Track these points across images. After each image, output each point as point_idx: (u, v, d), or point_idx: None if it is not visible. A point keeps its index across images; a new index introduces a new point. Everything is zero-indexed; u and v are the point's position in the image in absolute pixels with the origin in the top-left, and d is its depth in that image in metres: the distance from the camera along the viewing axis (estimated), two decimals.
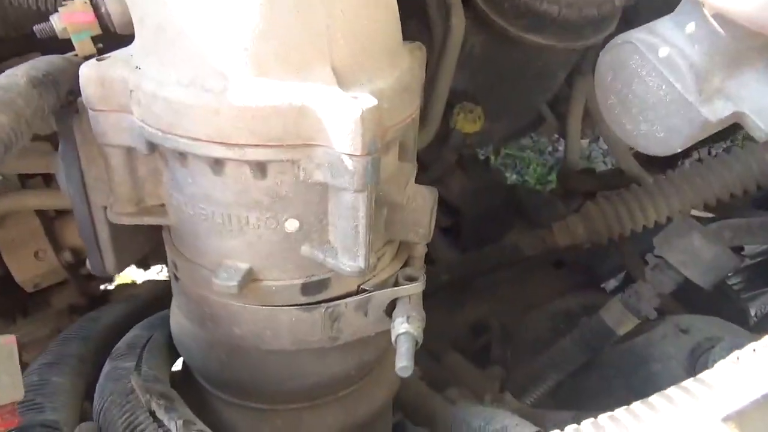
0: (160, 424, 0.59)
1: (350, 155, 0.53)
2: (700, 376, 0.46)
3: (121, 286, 1.58)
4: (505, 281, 1.66)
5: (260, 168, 0.57)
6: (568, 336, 1.25)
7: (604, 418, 0.49)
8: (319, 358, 0.69)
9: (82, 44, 0.73)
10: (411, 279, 0.69)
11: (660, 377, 1.07)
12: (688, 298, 1.40)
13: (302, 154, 0.55)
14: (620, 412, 0.48)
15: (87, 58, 0.74)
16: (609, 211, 1.44)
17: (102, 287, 1.55)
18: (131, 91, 0.58)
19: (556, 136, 3.74)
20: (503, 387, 1.26)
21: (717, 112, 0.60)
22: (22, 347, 1.42)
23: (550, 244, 1.53)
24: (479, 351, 1.48)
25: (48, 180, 1.13)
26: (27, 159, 1.02)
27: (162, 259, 0.77)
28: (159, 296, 1.01)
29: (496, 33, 1.25)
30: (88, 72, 0.59)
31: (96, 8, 0.73)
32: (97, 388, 0.69)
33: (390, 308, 0.68)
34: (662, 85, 0.63)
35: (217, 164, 0.57)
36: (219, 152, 0.55)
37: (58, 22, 0.73)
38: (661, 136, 0.67)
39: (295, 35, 0.54)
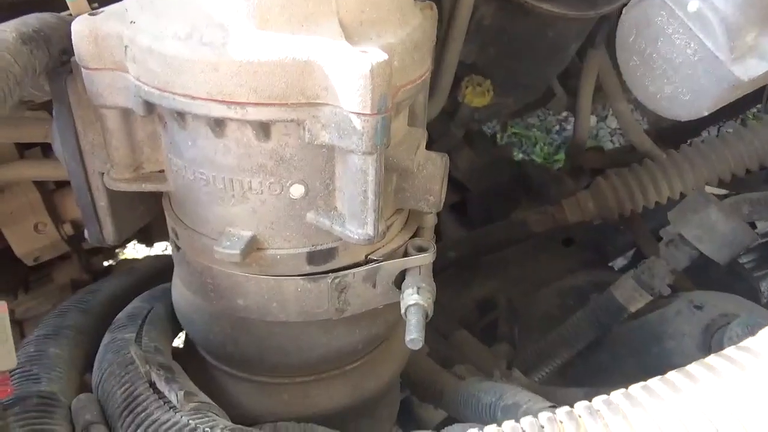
0: (160, 395, 0.57)
1: (359, 114, 0.50)
2: (743, 344, 0.42)
3: (125, 262, 1.56)
4: (512, 259, 1.63)
5: (263, 129, 0.54)
6: (578, 313, 1.23)
7: (656, 381, 0.45)
8: (325, 331, 0.67)
9: (76, 3, 0.70)
10: (421, 249, 0.67)
11: (673, 354, 1.04)
12: (699, 275, 1.37)
13: (307, 113, 0.52)
14: (655, 382, 0.45)
15: None
16: (620, 186, 1.40)
17: (105, 263, 1.53)
18: (126, 47, 0.55)
19: (565, 114, 3.69)
20: (510, 364, 1.24)
21: (749, 70, 0.56)
22: (23, 322, 1.40)
23: (559, 221, 1.50)
24: (486, 328, 1.46)
25: (47, 151, 1.10)
26: (24, 128, 0.99)
27: (167, 237, 0.74)
28: (161, 269, 0.98)
29: (507, 2, 1.20)
30: (80, 28, 0.56)
31: None
32: (96, 359, 0.67)
33: (399, 279, 0.65)
34: (690, 42, 0.60)
35: (218, 125, 0.54)
36: (219, 111, 0.52)
37: None
38: (687, 98, 0.63)
39: None
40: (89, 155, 0.66)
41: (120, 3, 0.59)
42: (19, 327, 1.35)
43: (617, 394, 0.46)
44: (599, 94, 1.72)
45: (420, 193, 0.64)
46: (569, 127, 3.65)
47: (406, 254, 0.67)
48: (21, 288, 1.36)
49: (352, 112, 0.50)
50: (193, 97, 0.52)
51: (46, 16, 0.66)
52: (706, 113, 0.63)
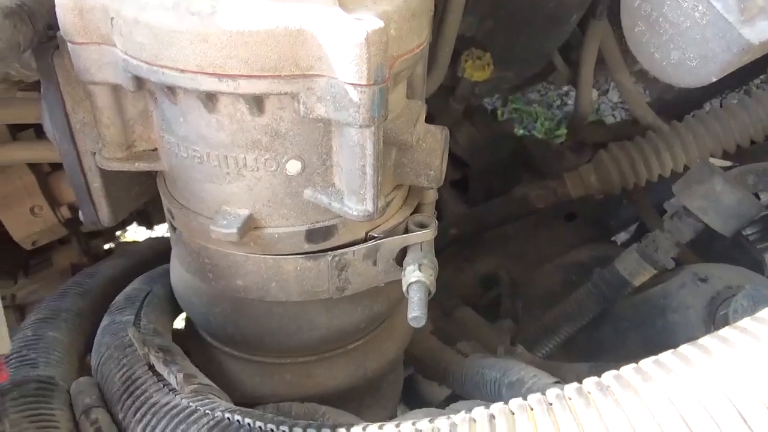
0: (159, 378, 0.56)
1: (355, 85, 0.48)
2: (757, 315, 0.41)
3: (120, 245, 1.55)
4: (514, 234, 1.62)
5: (257, 102, 0.52)
6: (581, 288, 1.22)
7: (668, 355, 0.43)
8: (326, 310, 0.66)
9: None
10: (422, 226, 0.65)
11: (678, 328, 1.04)
12: (703, 248, 1.36)
13: (302, 86, 0.50)
14: (667, 356, 0.43)
15: None
16: (623, 159, 1.38)
17: (105, 246, 1.52)
18: (112, 18, 0.53)
19: (566, 88, 3.64)
20: (514, 340, 1.24)
21: (761, 33, 0.54)
22: (24, 306, 1.39)
23: (561, 196, 1.48)
24: (489, 305, 1.46)
25: (40, 132, 1.08)
26: (14, 108, 0.97)
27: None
28: (159, 250, 0.97)
29: None
30: (64, 0, 0.54)
31: None
32: (94, 342, 0.66)
33: (400, 257, 0.64)
34: (698, 5, 0.57)
35: (210, 99, 0.52)
36: (210, 85, 0.50)
37: None
38: (695, 64, 0.61)
39: None
40: (80, 134, 0.64)
41: None
42: (20, 312, 1.35)
43: (628, 369, 0.44)
44: (601, 67, 1.69)
45: (420, 167, 0.63)
46: (570, 102, 3.61)
47: (406, 231, 0.65)
48: (21, 272, 1.35)
49: (348, 83, 0.48)
50: (182, 71, 0.50)
51: None
52: (714, 79, 0.61)
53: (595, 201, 1.56)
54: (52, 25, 0.61)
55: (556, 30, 1.50)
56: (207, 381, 0.59)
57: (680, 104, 1.81)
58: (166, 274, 0.76)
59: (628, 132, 1.73)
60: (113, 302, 0.72)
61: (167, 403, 0.53)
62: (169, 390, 0.55)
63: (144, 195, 0.77)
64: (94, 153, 0.65)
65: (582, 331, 1.21)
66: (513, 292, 1.41)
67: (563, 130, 3.39)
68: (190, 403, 0.53)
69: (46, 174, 1.14)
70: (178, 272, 0.70)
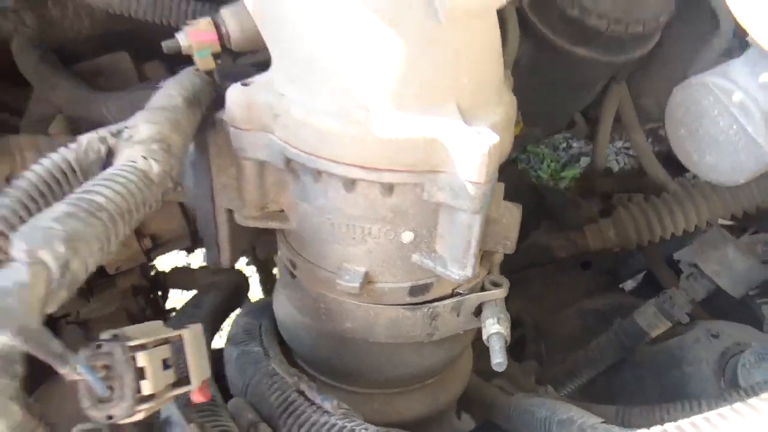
0: (309, 401, 0.68)
1: (473, 182, 0.62)
2: None
3: (176, 269, 1.68)
4: (535, 279, 1.75)
5: (389, 188, 0.66)
6: (602, 335, 1.36)
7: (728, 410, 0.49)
8: (416, 351, 0.79)
9: (204, 60, 0.82)
10: (495, 285, 0.79)
11: (691, 378, 1.17)
12: (709, 302, 1.50)
13: (428, 178, 0.64)
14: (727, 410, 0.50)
15: (208, 72, 0.83)
16: (640, 218, 1.53)
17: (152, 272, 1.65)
18: (276, 115, 0.67)
19: (584, 141, 3.80)
20: (539, 380, 1.36)
21: None
22: (87, 322, 1.53)
23: (581, 247, 1.62)
24: (513, 345, 1.58)
25: None
26: None
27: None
28: (240, 284, 1.10)
29: (543, 43, 1.31)
30: (235, 96, 0.68)
31: (217, 28, 0.82)
32: (234, 369, 0.78)
33: (478, 310, 0.78)
34: (733, 125, 0.72)
35: (351, 183, 0.66)
36: (357, 174, 0.64)
37: (184, 39, 0.82)
38: (727, 169, 0.75)
39: (429, 77, 0.62)
40: (219, 194, 0.78)
41: (265, 75, 0.70)
42: (84, 327, 1.47)
43: (699, 419, 0.51)
44: (617, 125, 1.85)
45: (499, 237, 0.77)
46: (575, 144, 3.76)
47: (482, 288, 0.79)
48: (88, 292, 1.47)
49: (468, 180, 0.62)
50: (337, 162, 0.64)
51: (194, 78, 0.78)
52: (742, 182, 0.76)
53: (610, 252, 1.71)
54: (209, 107, 0.76)
55: (583, 94, 1.66)
56: (351, 410, 0.71)
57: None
58: (266, 309, 0.88)
59: (635, 183, 1.89)
60: (232, 334, 0.85)
61: (326, 423, 0.65)
62: (323, 412, 0.67)
63: (251, 241, 0.90)
64: (227, 209, 0.79)
65: (602, 375, 1.34)
66: (537, 335, 1.54)
67: (568, 172, 3.54)
68: (346, 423, 0.65)
69: None
70: (288, 311, 0.83)
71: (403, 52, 0.61)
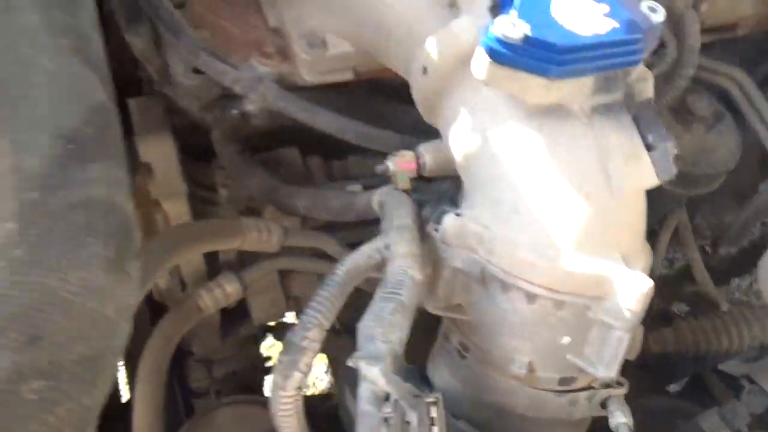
0: None
1: (630, 310, 0.86)
2: None
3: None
4: None
5: (561, 304, 0.90)
6: None
7: None
8: (555, 427, 1.01)
9: (402, 182, 1.10)
10: (619, 383, 1.02)
11: None
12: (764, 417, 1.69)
13: (593, 302, 0.89)
14: None
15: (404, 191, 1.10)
16: (699, 332, 1.75)
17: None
18: (482, 242, 0.92)
19: None
20: None
21: None
22: (211, 361, 1.78)
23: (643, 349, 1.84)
24: None
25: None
26: None
27: None
28: None
29: None
30: (452, 226, 0.94)
31: (418, 159, 1.09)
32: None
33: (604, 402, 1.00)
34: None
35: (533, 297, 0.91)
36: (542, 292, 0.89)
37: (392, 167, 1.10)
38: None
39: (603, 234, 0.88)
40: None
41: (472, 211, 0.96)
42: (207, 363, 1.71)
43: None
44: (673, 240, 2.10)
45: (630, 349, 1.00)
46: None
47: (609, 385, 1.02)
48: None
49: (626, 308, 0.86)
50: (528, 282, 0.89)
51: (401, 199, 1.05)
52: None
53: (662, 355, 1.92)
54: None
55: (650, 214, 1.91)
56: None
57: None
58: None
59: (681, 288, 2.11)
60: None
61: None
62: None
63: None
64: None
65: None
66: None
67: None
68: None
69: (285, 272, 1.54)
70: (449, 380, 1.06)
71: (588, 214, 0.87)
